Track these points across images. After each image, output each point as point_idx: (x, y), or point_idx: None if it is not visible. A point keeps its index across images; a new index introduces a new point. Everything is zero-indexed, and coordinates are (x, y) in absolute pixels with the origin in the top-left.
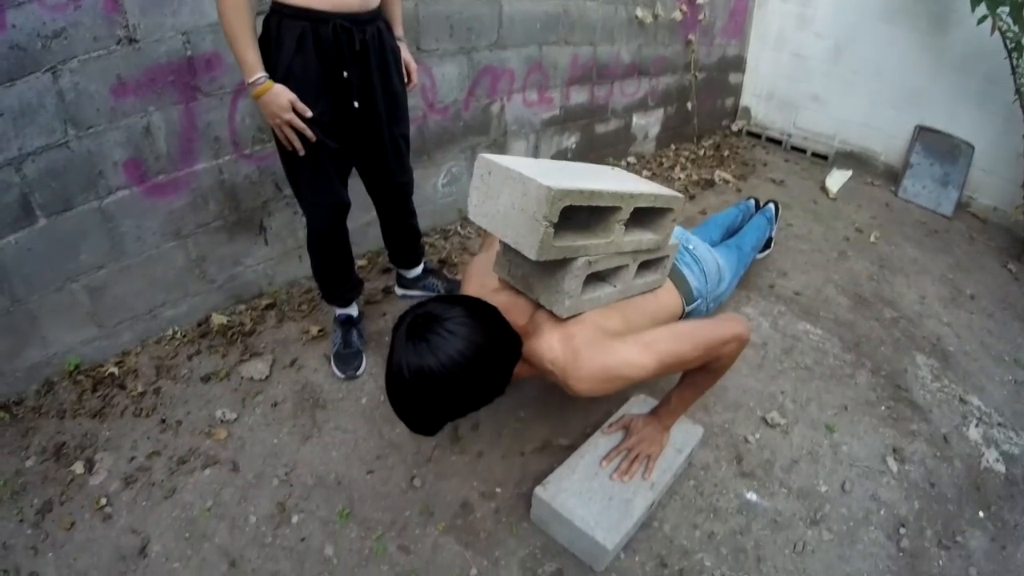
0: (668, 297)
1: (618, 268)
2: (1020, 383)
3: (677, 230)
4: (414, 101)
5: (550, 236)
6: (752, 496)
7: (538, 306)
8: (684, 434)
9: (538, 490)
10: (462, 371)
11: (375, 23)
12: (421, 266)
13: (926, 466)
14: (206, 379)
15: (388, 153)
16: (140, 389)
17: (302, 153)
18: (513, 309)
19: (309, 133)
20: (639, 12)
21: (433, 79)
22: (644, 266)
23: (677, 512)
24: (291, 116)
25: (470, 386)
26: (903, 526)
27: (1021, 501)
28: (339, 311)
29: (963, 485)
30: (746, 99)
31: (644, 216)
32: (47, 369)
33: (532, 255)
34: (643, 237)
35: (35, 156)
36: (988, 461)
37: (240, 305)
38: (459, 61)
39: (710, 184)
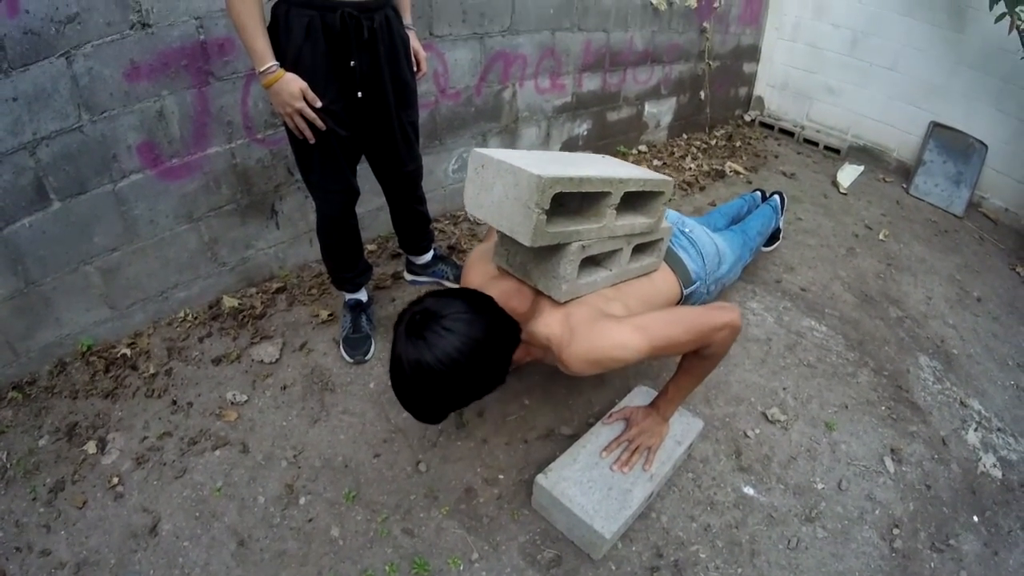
0: (665, 281)
1: (613, 252)
2: (1022, 388)
3: (673, 215)
4: (426, 86)
5: (543, 223)
6: (749, 490)
7: (539, 292)
8: (684, 426)
9: (539, 478)
10: (459, 367)
11: (383, 10)
12: (431, 253)
13: (923, 468)
14: (217, 361)
15: (397, 141)
16: (152, 370)
17: (312, 141)
18: (515, 296)
19: (319, 123)
20: None
21: (445, 64)
22: (639, 249)
23: (675, 504)
24: (302, 105)
25: (469, 379)
26: (897, 527)
27: (1016, 507)
28: (348, 296)
29: (959, 489)
30: (760, 89)
31: (635, 200)
32: (60, 349)
33: (527, 242)
34: (635, 221)
35: (49, 140)
36: (985, 466)
37: (251, 288)
38: (471, 46)
39: (721, 175)
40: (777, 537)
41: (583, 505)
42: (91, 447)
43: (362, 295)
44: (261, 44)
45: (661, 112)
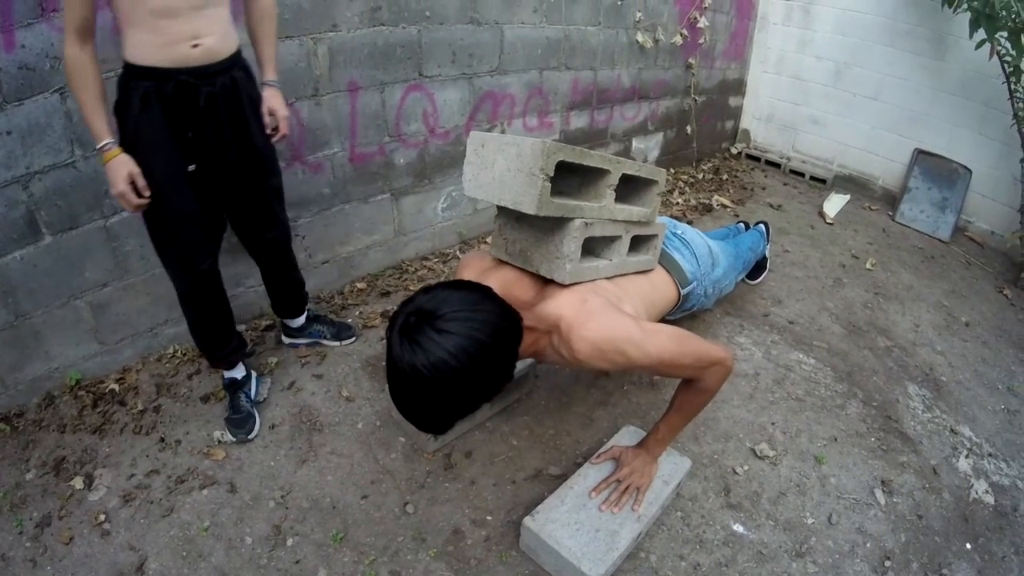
0: (663, 282)
1: (612, 242)
2: (1012, 412)
3: (666, 220)
4: (416, 126)
5: (547, 190)
6: (738, 528)
7: (543, 281)
8: (672, 465)
9: (527, 520)
10: (461, 371)
11: (228, 73)
12: (304, 316)
13: (914, 498)
14: (205, 399)
15: (252, 207)
16: (140, 407)
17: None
18: (516, 285)
19: (140, 205)
20: (640, 37)
21: (435, 104)
22: (636, 245)
23: (663, 543)
24: (124, 189)
25: (473, 382)
26: (889, 559)
27: (1009, 533)
28: (225, 374)
29: (951, 517)
30: (746, 121)
31: (631, 191)
32: (49, 383)
33: (532, 209)
34: (633, 209)
35: (42, 175)
36: (977, 492)
37: (240, 325)
38: (460, 86)
39: (708, 209)
40: (767, 574)
41: (571, 547)
42: (78, 482)
43: (238, 372)
44: (97, 122)
45: (648, 147)
